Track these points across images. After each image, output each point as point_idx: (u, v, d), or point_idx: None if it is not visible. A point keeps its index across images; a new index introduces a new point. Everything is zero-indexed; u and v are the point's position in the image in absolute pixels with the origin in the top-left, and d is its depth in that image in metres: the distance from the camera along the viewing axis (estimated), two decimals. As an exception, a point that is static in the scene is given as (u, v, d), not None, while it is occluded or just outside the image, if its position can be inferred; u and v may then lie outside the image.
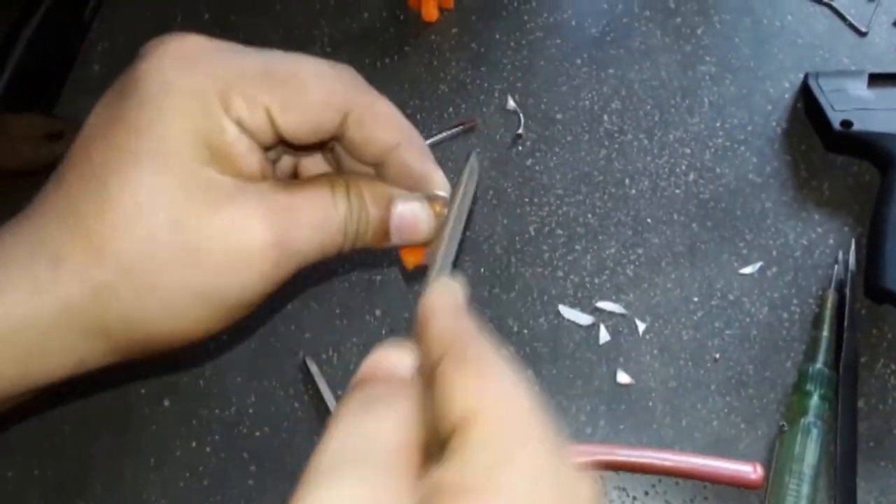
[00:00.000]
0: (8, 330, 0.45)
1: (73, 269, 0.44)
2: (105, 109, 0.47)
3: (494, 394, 0.37)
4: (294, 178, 0.57)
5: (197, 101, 0.45)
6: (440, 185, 0.55)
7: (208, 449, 0.77)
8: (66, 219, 0.45)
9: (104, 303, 0.45)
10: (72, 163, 0.46)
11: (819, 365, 0.73)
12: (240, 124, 0.47)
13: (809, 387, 0.72)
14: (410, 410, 0.39)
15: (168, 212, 0.44)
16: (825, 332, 0.75)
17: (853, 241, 0.80)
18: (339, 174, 0.55)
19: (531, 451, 0.35)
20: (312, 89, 0.49)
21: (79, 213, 0.44)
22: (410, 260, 0.57)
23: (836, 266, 0.79)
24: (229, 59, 0.48)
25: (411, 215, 0.53)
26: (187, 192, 0.45)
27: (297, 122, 0.49)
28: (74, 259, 0.44)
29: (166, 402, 0.79)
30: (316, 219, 0.49)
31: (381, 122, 0.52)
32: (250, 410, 0.79)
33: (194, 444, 0.77)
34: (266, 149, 0.50)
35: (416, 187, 0.54)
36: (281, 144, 0.51)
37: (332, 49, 0.97)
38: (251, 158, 0.47)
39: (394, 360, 0.44)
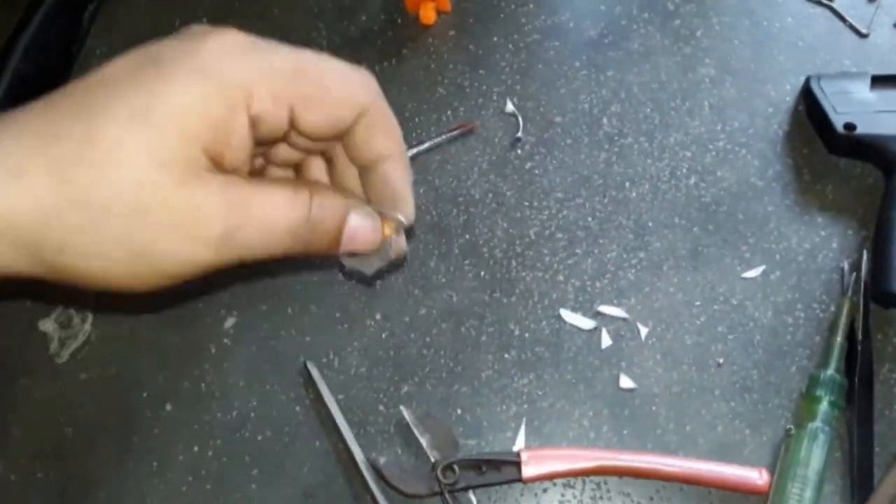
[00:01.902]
0: None
1: (32, 185, 0.44)
2: (128, 64, 0.48)
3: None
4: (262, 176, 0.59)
5: (223, 91, 0.47)
6: (406, 210, 0.58)
7: (210, 453, 0.77)
8: (45, 137, 0.45)
9: (49, 227, 0.45)
10: (71, 92, 0.47)
11: (831, 371, 0.73)
12: (256, 120, 0.49)
13: (819, 392, 0.72)
14: None
15: (139, 171, 0.45)
16: (839, 339, 0.75)
17: (865, 249, 0.80)
18: (304, 181, 0.59)
19: None
20: (338, 89, 0.52)
21: (59, 137, 0.45)
22: None
23: (853, 273, 0.78)
24: (263, 56, 0.50)
25: (363, 228, 0.55)
26: (165, 163, 0.45)
27: (319, 118, 0.52)
28: (38, 177, 0.44)
29: (168, 407, 0.79)
30: (268, 218, 0.50)
31: (385, 130, 0.55)
32: (252, 414, 0.78)
33: (196, 448, 0.77)
34: (265, 143, 0.53)
35: (385, 202, 0.57)
36: (285, 141, 0.55)
37: (329, 52, 0.96)
38: (241, 153, 0.49)
39: None
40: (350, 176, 0.59)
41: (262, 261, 0.51)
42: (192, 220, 0.47)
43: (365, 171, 0.57)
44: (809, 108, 0.88)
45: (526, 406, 0.77)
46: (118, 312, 0.84)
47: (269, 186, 0.51)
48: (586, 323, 0.80)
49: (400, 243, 0.59)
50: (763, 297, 0.80)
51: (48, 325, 0.83)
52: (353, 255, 0.57)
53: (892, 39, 0.93)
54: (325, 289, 0.84)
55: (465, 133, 0.90)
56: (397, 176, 0.57)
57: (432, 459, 0.73)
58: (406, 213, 0.58)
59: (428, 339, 0.80)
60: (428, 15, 0.98)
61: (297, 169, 0.60)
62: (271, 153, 0.58)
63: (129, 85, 0.46)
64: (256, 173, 0.58)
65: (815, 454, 0.69)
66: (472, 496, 0.73)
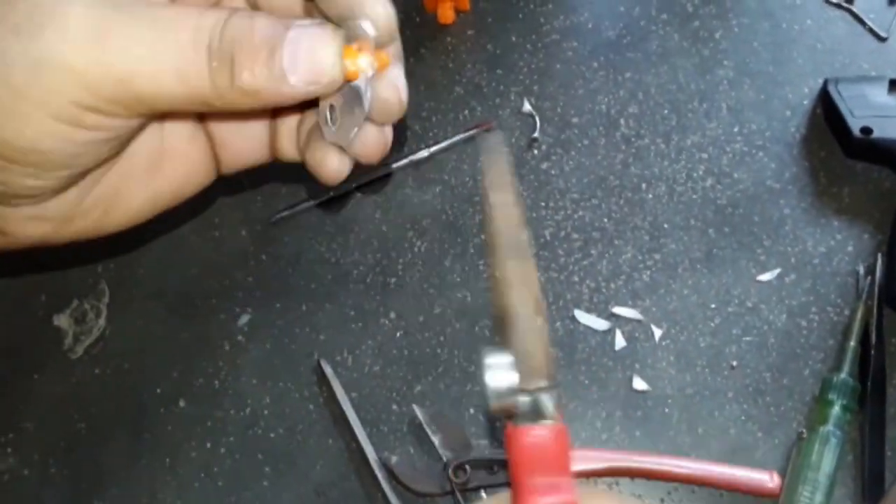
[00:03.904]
0: None
1: None
2: None
3: None
4: None
5: None
6: (373, 11, 0.44)
7: (223, 450, 0.77)
8: None
9: None
10: None
11: (844, 375, 0.73)
12: None
13: (832, 396, 0.72)
14: None
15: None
16: (852, 343, 0.75)
17: (880, 253, 0.80)
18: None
19: None
20: None
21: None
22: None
23: (868, 277, 0.78)
24: None
25: (308, 44, 0.42)
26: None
27: None
28: None
29: (182, 403, 0.79)
30: (166, 26, 0.41)
31: None
32: (265, 412, 0.79)
33: (209, 444, 0.77)
34: None
35: (344, 12, 0.44)
36: None
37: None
38: None
39: None
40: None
41: (180, 106, 0.43)
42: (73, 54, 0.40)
43: None
44: (827, 111, 0.88)
45: (539, 406, 0.77)
46: (133, 308, 0.85)
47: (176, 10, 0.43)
48: (600, 324, 0.80)
49: (382, 75, 0.45)
50: (778, 300, 0.80)
51: (63, 320, 0.84)
52: (317, 107, 0.47)
53: (911, 44, 0.93)
54: (340, 287, 0.84)
55: (482, 133, 0.90)
56: None
57: (444, 459, 0.74)
58: (374, 14, 0.43)
59: (442, 339, 0.80)
60: (446, 14, 0.98)
61: None
62: None
63: None
64: None
65: (826, 457, 0.69)
66: (483, 496, 0.73)
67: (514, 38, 0.97)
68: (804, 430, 0.72)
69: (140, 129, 0.48)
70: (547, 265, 0.83)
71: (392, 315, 0.82)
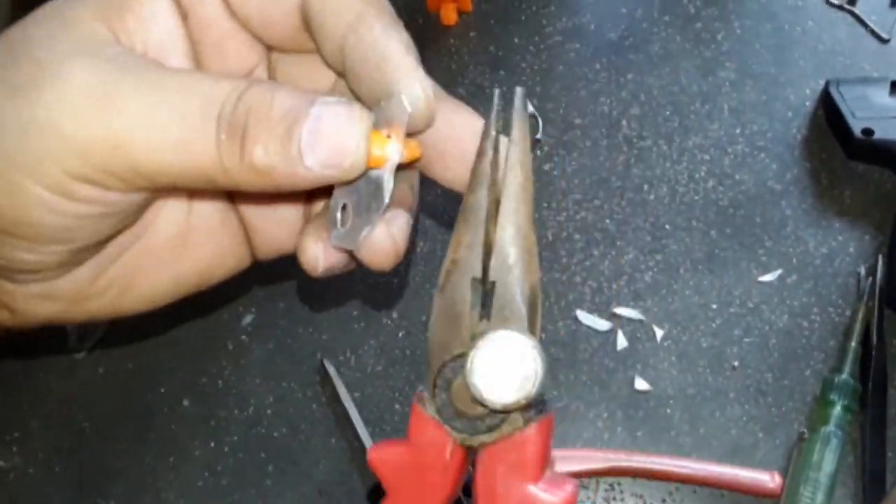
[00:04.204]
0: None
1: None
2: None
3: None
4: None
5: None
6: (410, 86, 0.39)
7: (227, 449, 0.77)
8: None
9: None
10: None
11: (845, 375, 0.73)
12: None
13: (833, 396, 0.72)
14: None
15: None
16: (853, 344, 0.75)
17: (881, 254, 0.80)
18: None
19: None
20: None
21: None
22: None
23: (869, 278, 0.78)
24: None
25: (331, 121, 0.37)
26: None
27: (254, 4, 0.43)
28: None
29: (186, 403, 0.80)
30: (179, 96, 0.37)
31: None
32: (268, 411, 0.79)
33: (213, 443, 0.78)
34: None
35: (375, 88, 0.40)
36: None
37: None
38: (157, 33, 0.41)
39: None
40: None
41: (183, 181, 0.39)
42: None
43: (342, 60, 0.41)
44: (828, 112, 0.88)
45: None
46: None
47: (193, 70, 0.41)
48: (602, 324, 0.80)
49: (403, 174, 0.42)
50: (779, 301, 0.80)
51: (68, 320, 0.84)
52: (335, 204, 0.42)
53: (913, 45, 0.93)
54: (343, 287, 0.84)
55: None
56: (377, 36, 0.40)
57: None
58: (411, 92, 0.39)
59: (444, 339, 0.81)
60: (449, 16, 0.98)
61: None
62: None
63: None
64: None
65: (827, 458, 0.69)
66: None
67: (516, 40, 0.98)
68: (805, 431, 0.72)
69: (145, 205, 0.43)
70: (549, 265, 0.83)
71: (394, 315, 0.83)
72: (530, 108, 0.92)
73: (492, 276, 0.39)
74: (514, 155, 0.40)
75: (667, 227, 0.85)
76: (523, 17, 0.99)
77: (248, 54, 0.46)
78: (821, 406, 0.73)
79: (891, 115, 0.84)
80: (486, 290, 0.39)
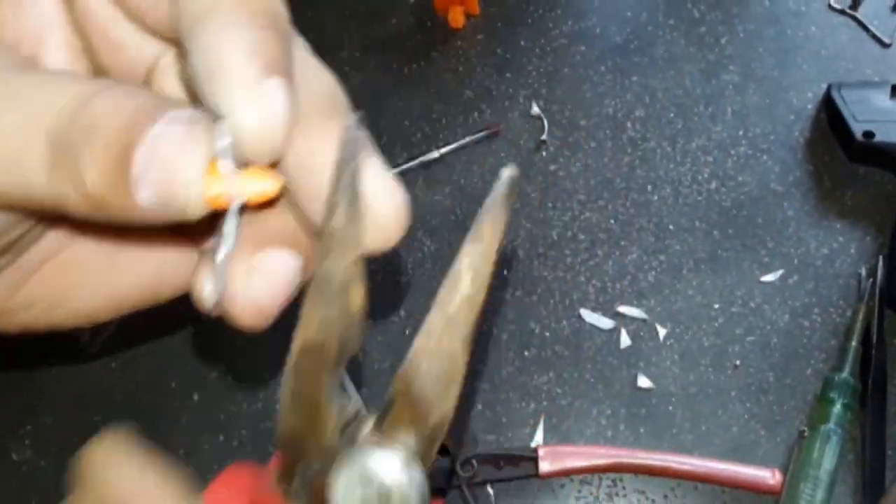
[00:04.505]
0: None
1: None
2: None
3: None
4: None
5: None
6: (240, 94, 0.28)
7: (236, 443, 0.78)
8: None
9: None
10: None
11: (845, 374, 0.74)
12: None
13: (833, 395, 0.73)
14: None
15: None
16: (854, 343, 0.76)
17: (881, 255, 0.81)
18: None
19: None
20: None
21: None
22: None
23: (870, 279, 0.79)
24: None
25: (170, 147, 0.27)
26: None
27: None
28: None
29: (195, 397, 0.81)
30: (8, 125, 0.28)
31: None
32: (277, 406, 0.79)
33: (222, 438, 0.79)
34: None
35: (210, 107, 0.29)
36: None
37: (360, 54, 0.98)
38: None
39: None
40: None
41: (19, 205, 0.31)
42: None
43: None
44: (830, 115, 0.89)
45: (545, 403, 0.78)
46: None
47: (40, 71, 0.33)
48: (606, 323, 0.81)
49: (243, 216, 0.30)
50: (780, 301, 0.81)
51: (80, 315, 0.85)
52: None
53: (914, 49, 0.94)
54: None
55: (490, 135, 0.92)
56: (213, 36, 0.29)
57: (451, 453, 0.74)
58: (240, 111, 0.28)
59: (450, 336, 0.81)
60: (456, 18, 0.99)
61: None
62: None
63: None
64: None
65: (827, 455, 0.70)
66: (490, 490, 0.74)
67: (522, 43, 0.99)
68: (806, 429, 0.72)
69: (15, 226, 0.34)
70: (554, 265, 0.84)
71: (402, 313, 0.83)
72: (536, 110, 0.93)
73: (396, 385, 0.32)
74: (472, 257, 0.30)
75: (670, 227, 0.86)
76: (530, 21, 1.00)
77: (147, 44, 0.36)
78: (821, 404, 0.74)
79: (891, 119, 0.85)
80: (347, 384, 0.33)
